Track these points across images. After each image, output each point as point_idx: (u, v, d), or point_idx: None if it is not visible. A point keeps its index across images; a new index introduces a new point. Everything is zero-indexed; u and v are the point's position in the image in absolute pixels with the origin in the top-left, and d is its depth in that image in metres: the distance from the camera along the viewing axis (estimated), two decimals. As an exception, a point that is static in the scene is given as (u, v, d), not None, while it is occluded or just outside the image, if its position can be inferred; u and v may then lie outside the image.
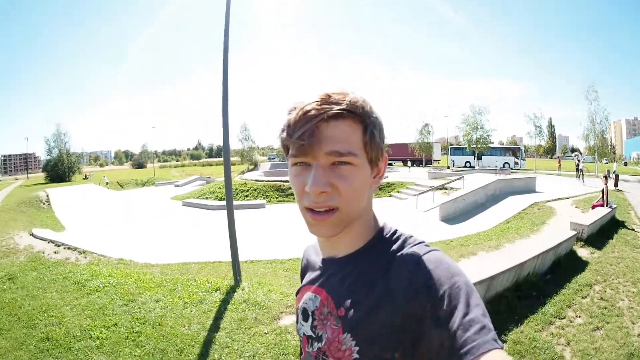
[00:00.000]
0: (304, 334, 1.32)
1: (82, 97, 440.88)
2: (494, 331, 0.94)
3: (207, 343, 6.53)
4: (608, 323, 7.34)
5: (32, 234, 16.06)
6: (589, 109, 46.65)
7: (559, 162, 43.02)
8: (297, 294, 1.46)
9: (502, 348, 0.91)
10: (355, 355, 1.11)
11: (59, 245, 13.76)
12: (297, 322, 1.39)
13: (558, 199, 20.93)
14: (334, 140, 1.08)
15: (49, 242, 14.32)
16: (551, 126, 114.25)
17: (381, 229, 1.27)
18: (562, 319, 7.57)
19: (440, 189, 26.04)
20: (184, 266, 11.52)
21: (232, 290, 8.66)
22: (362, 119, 1.12)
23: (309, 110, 1.07)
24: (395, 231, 1.26)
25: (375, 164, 1.19)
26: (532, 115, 56.27)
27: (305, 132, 1.07)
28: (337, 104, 1.08)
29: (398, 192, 29.00)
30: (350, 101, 1.10)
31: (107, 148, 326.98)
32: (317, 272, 1.36)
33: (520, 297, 8.17)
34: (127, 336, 6.74)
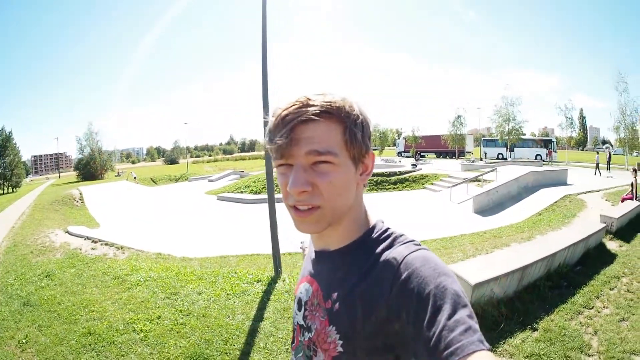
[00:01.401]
0: (297, 323, 1.36)
1: (113, 95, 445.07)
2: (480, 332, 0.92)
3: (252, 332, 6.52)
4: (634, 314, 7.32)
5: (67, 232, 16.13)
6: (619, 100, 46.57)
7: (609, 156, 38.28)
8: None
9: (489, 349, 0.89)
10: (340, 349, 1.14)
11: (95, 242, 13.75)
12: (293, 311, 1.42)
13: (589, 192, 20.75)
14: (313, 141, 1.10)
15: (85, 239, 14.34)
16: (582, 117, 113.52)
17: (373, 227, 1.27)
18: (590, 309, 7.59)
19: (474, 181, 25.89)
20: (223, 259, 11.52)
21: (273, 281, 8.62)
22: (341, 118, 1.13)
23: (287, 115, 1.10)
24: (387, 229, 1.25)
25: (360, 162, 1.20)
26: (563, 106, 56.10)
27: (283, 136, 1.09)
28: (313, 106, 1.09)
29: (432, 184, 28.93)
30: (327, 102, 1.11)
31: (139, 145, 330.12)
32: (313, 263, 1.38)
33: (551, 287, 8.20)
34: (172, 328, 6.71)
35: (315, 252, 1.36)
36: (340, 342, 1.12)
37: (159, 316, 7.13)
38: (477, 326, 0.92)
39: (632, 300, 7.89)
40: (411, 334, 0.97)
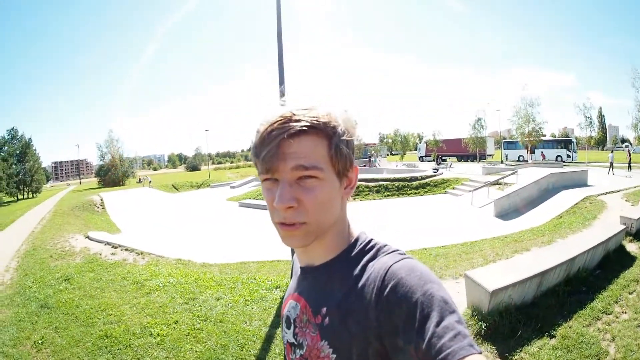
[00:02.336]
0: (287, 341, 1.33)
1: (135, 102, 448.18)
2: (470, 337, 0.91)
3: (269, 338, 6.54)
4: None
5: (87, 237, 16.27)
6: (637, 97, 45.80)
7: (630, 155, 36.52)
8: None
9: (480, 353, 0.88)
10: None
11: (115, 247, 13.83)
12: (282, 329, 1.41)
13: (609, 192, 20.62)
14: (298, 156, 1.09)
15: (105, 244, 14.43)
16: (601, 116, 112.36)
17: (356, 239, 1.26)
18: (608, 314, 7.49)
19: (495, 184, 25.79)
20: (243, 265, 11.53)
21: None
22: (327, 133, 1.12)
23: (272, 130, 1.09)
24: (370, 240, 1.25)
25: (344, 176, 1.20)
26: (582, 105, 55.47)
27: (269, 151, 1.09)
28: (298, 121, 1.09)
29: (453, 188, 28.85)
30: (312, 117, 1.11)
31: (161, 152, 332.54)
32: (299, 280, 1.37)
33: (570, 292, 8.09)
34: (188, 333, 6.74)
35: (301, 268, 1.36)
36: (334, 356, 1.12)
37: (177, 321, 7.16)
38: (466, 331, 0.91)
39: None
40: (401, 343, 0.97)
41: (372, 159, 58.52)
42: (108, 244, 14.48)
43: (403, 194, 29.58)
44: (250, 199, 31.13)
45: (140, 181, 59.12)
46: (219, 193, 40.91)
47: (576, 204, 18.47)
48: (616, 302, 7.87)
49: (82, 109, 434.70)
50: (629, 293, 8.25)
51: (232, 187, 45.29)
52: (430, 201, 26.28)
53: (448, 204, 24.34)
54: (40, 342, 6.66)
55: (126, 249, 13.55)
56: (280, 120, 1.09)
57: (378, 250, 1.19)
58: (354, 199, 27.92)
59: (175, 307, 7.81)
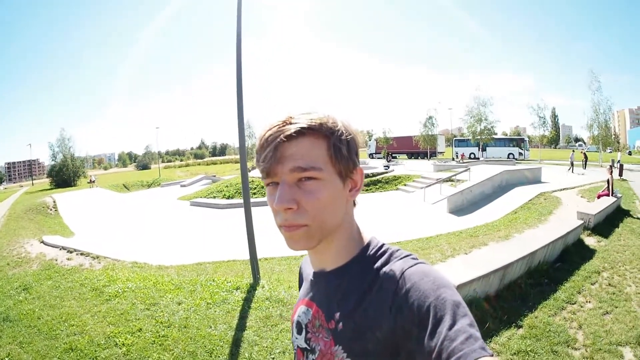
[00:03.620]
0: (298, 346, 1.35)
1: (84, 101, 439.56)
2: (482, 340, 0.94)
3: (236, 342, 6.52)
4: (617, 307, 7.63)
5: (42, 242, 15.96)
6: (592, 98, 47.94)
7: (585, 156, 37.78)
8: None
9: (491, 355, 0.90)
10: None
11: (71, 252, 13.62)
12: (292, 335, 1.41)
13: (564, 189, 21.24)
14: (296, 157, 1.11)
15: (60, 249, 14.19)
16: (555, 116, 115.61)
17: (368, 244, 1.27)
18: (573, 304, 7.87)
19: (447, 181, 26.10)
20: (199, 266, 11.55)
21: (252, 288, 8.63)
22: (324, 134, 1.15)
23: (270, 134, 1.12)
24: (382, 245, 1.26)
25: (348, 177, 1.21)
26: (535, 106, 57.36)
27: (267, 155, 1.12)
28: (296, 123, 1.12)
29: (405, 185, 29.14)
30: (309, 119, 1.13)
31: (111, 150, 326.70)
32: (309, 285, 1.38)
33: (532, 285, 8.46)
34: (154, 341, 6.64)
35: (314, 273, 1.35)
36: None
37: (140, 329, 7.05)
38: (478, 334, 0.94)
39: (614, 293, 8.21)
40: (415, 347, 1.00)
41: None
42: (63, 248, 14.26)
43: (370, 190, 29.80)
44: (201, 197, 31.20)
45: (91, 181, 58.33)
46: (169, 192, 40.81)
47: (530, 200, 19.12)
48: (579, 293, 8.29)
49: (34, 107, 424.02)
50: (591, 284, 8.73)
51: (183, 186, 45.76)
52: (382, 198, 26.53)
53: (401, 201, 24.65)
54: (7, 359, 6.50)
55: (81, 254, 13.38)
56: (278, 124, 1.13)
57: (391, 254, 1.21)
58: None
59: (137, 313, 7.70)
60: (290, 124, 1.12)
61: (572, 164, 33.70)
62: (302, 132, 1.11)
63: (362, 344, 1.09)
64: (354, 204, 1.30)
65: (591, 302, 7.90)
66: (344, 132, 1.18)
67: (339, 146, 1.15)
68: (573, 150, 38.79)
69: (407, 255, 1.19)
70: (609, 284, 8.69)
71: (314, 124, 1.13)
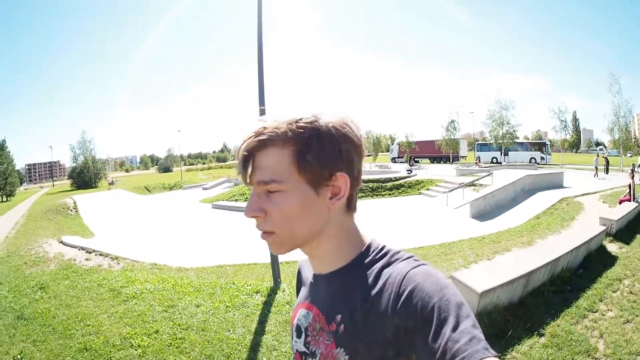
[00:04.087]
0: (297, 350, 1.32)
1: (107, 103, 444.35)
2: (485, 341, 0.92)
3: (255, 347, 6.42)
4: (637, 316, 7.48)
5: (61, 242, 15.99)
6: (613, 101, 47.31)
7: (607, 160, 36.98)
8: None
9: (495, 356, 0.89)
10: None
11: (90, 252, 13.61)
12: (291, 339, 1.39)
13: (585, 194, 21.04)
14: (261, 169, 1.11)
15: (79, 249, 14.19)
16: (576, 120, 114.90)
17: (368, 246, 1.24)
18: (594, 312, 7.72)
19: (470, 185, 26.06)
20: (219, 269, 11.45)
21: (272, 292, 8.54)
22: (289, 143, 1.11)
23: (241, 146, 1.13)
24: (383, 247, 1.23)
25: (322, 185, 1.15)
26: (556, 109, 56.97)
27: (239, 166, 1.14)
28: (263, 134, 1.10)
29: (427, 189, 28.95)
30: (275, 128, 1.11)
31: (133, 153, 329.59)
32: (309, 288, 1.37)
33: (555, 292, 8.33)
34: (170, 343, 6.56)
35: (314, 275, 1.33)
36: None
37: (157, 330, 6.98)
38: (481, 335, 0.92)
39: (634, 302, 8.04)
40: (418, 348, 0.98)
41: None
42: (82, 248, 14.24)
43: (377, 195, 29.63)
44: (223, 200, 31.16)
45: (111, 183, 58.77)
46: (191, 195, 40.99)
47: (553, 205, 18.90)
48: (601, 301, 8.09)
49: (56, 109, 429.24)
50: (613, 291, 8.52)
51: (205, 189, 45.61)
52: (405, 202, 26.40)
53: (423, 205, 24.46)
54: (19, 357, 6.43)
55: (100, 254, 13.36)
56: (251, 135, 1.11)
57: (392, 256, 1.17)
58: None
59: (155, 315, 7.63)
60: (259, 134, 1.11)
61: (596, 169, 33.59)
62: (267, 144, 1.10)
63: (364, 345, 1.09)
64: (351, 209, 1.25)
65: (612, 311, 7.78)
66: (319, 137, 1.12)
67: (305, 155, 1.11)
68: (597, 155, 38.40)
69: (409, 257, 1.17)
70: (631, 292, 8.56)
71: (274, 134, 1.10)
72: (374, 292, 1.11)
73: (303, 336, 1.28)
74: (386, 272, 1.12)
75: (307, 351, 1.25)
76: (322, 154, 1.12)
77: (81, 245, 14.68)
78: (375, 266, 1.16)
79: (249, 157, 1.11)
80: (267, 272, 10.13)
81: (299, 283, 1.53)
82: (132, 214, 28.12)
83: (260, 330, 6.90)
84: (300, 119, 1.12)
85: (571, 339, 6.58)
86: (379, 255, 1.19)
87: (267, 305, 7.89)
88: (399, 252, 1.20)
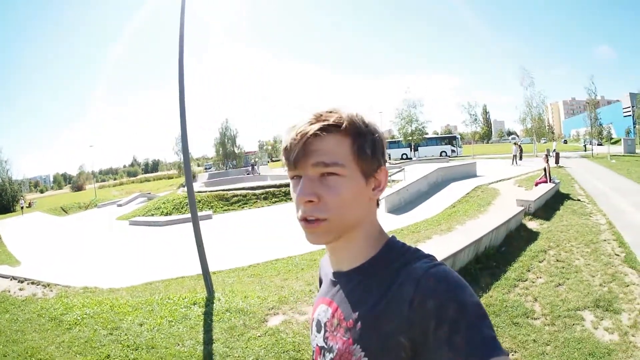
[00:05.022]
0: (316, 344, 1.36)
1: (16, 120, 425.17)
2: (498, 341, 0.98)
3: (207, 356, 6.61)
4: (568, 279, 8.32)
5: (-9, 272, 15.45)
6: (525, 94, 51.97)
7: (520, 148, 39.94)
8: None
9: (507, 355, 0.97)
10: None
11: (22, 281, 13.24)
12: (311, 333, 1.44)
13: (500, 181, 22.24)
14: (320, 153, 1.16)
15: (11, 279, 13.83)
16: (486, 113, 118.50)
17: (387, 243, 1.30)
18: (524, 281, 8.48)
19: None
20: (150, 286, 11.39)
21: (209, 302, 8.78)
22: (350, 132, 1.19)
23: (298, 129, 1.18)
24: (403, 245, 1.29)
25: (371, 176, 1.24)
26: (466, 104, 60.60)
27: (293, 149, 1.18)
28: (324, 121, 1.17)
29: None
30: (337, 117, 1.19)
31: (46, 172, 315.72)
32: (329, 284, 1.40)
33: (481, 269, 9.02)
34: None
35: (333, 272, 1.38)
36: (366, 359, 1.14)
37: (108, 355, 7.01)
38: (494, 334, 0.99)
39: (563, 268, 8.91)
40: (432, 348, 1.02)
41: (254, 166, 59.45)
42: (14, 278, 13.81)
43: (291, 199, 29.25)
44: (139, 216, 30.72)
45: (30, 205, 56.85)
46: (107, 213, 40.03)
47: (468, 193, 19.99)
48: (529, 271, 8.92)
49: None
50: (539, 262, 9.41)
51: (119, 205, 44.89)
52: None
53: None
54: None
55: (32, 282, 12.98)
56: (308, 121, 1.18)
57: (411, 255, 1.22)
58: (242, 208, 28.39)
59: (101, 340, 7.60)
60: (319, 120, 1.18)
61: (514, 157, 35.59)
62: (328, 130, 1.16)
63: (380, 343, 1.12)
64: (377, 204, 1.34)
65: (542, 277, 8.50)
66: (370, 131, 1.23)
67: (363, 145, 1.20)
68: (514, 144, 40.18)
69: (427, 256, 1.21)
70: (557, 260, 9.36)
71: (340, 122, 1.18)
72: (391, 290, 1.14)
73: (322, 331, 1.33)
74: (404, 271, 1.16)
75: (325, 346, 1.29)
76: (376, 149, 1.22)
77: (12, 275, 14.23)
78: (393, 264, 1.20)
79: (307, 139, 1.16)
80: (197, 284, 10.34)
81: (320, 278, 1.58)
82: (53, 237, 27.22)
83: (208, 340, 7.10)
84: (359, 115, 1.22)
85: (506, 305, 7.28)
86: (398, 253, 1.24)
87: (208, 315, 8.12)
88: (417, 250, 1.25)
